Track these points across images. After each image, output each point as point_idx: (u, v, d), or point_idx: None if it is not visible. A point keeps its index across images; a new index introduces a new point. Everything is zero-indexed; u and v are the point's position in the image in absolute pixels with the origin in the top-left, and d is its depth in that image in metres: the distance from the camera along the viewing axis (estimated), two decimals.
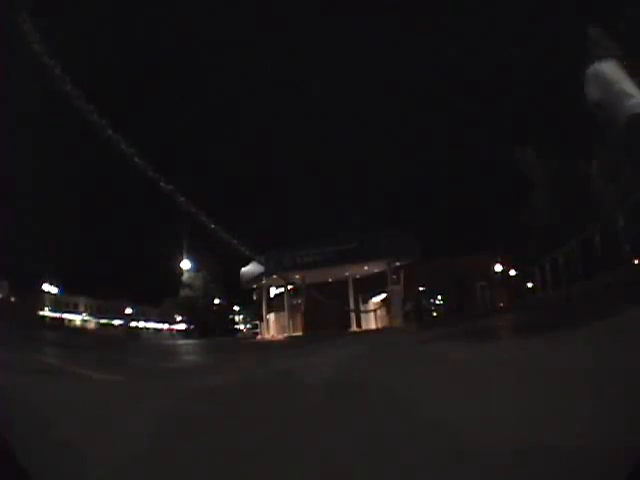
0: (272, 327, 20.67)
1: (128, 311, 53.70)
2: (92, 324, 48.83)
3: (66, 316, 46.13)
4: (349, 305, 20.86)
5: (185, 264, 31.94)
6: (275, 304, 21.08)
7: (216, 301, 34.89)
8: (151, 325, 53.89)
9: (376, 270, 20.83)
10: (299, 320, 22.33)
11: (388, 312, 20.60)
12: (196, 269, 32.94)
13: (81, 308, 51.28)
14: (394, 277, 20.40)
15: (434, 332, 6.94)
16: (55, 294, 46.50)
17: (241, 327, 38.27)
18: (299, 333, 19.98)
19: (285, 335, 16.74)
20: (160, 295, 49.55)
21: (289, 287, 20.53)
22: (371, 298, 25.98)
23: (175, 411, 1.83)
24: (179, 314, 39.89)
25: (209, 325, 29.66)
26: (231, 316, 39.57)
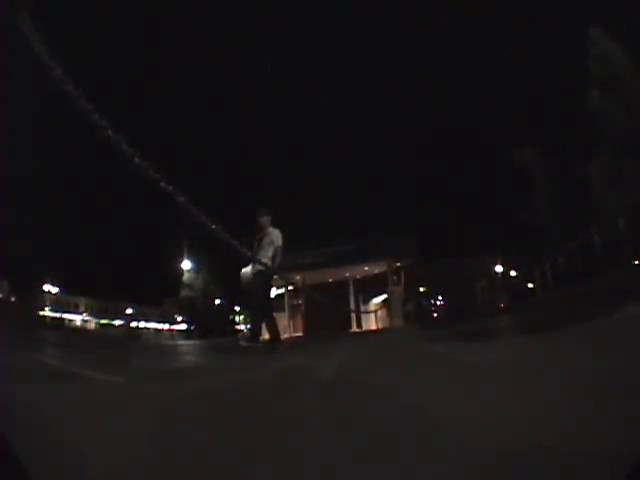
0: None
1: (129, 311, 53.66)
2: (92, 324, 48.87)
3: (66, 316, 46.17)
4: (349, 306, 20.89)
5: (185, 265, 32.00)
6: (275, 305, 21.10)
7: (216, 302, 34.92)
8: (151, 325, 53.93)
9: (376, 271, 20.87)
10: (299, 321, 22.36)
11: (388, 313, 20.62)
12: (196, 270, 33.00)
13: (82, 308, 51.34)
14: (394, 278, 20.43)
15: (434, 333, 6.94)
16: (56, 294, 46.49)
17: (241, 327, 38.27)
18: (299, 334, 20.01)
19: (285, 336, 16.74)
20: (160, 295, 49.71)
21: (289, 288, 20.57)
22: (371, 299, 26.02)
23: (175, 411, 1.83)
24: (179, 314, 39.95)
25: (209, 326, 29.68)
26: (231, 317, 39.60)
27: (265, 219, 5.77)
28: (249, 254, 4.93)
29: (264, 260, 5.41)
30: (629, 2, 14.60)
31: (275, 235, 5.64)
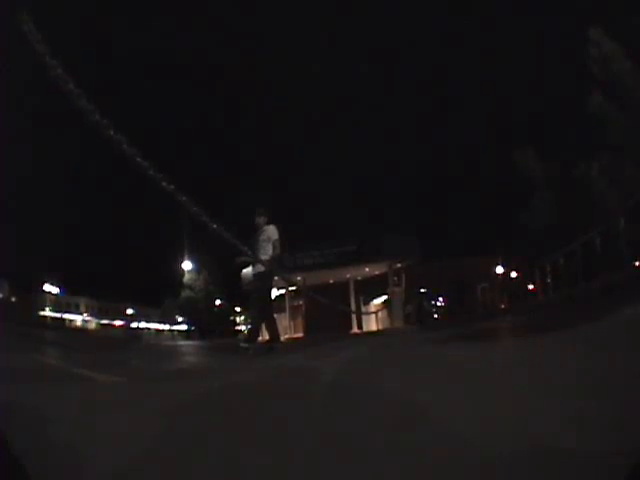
0: None
1: (129, 312, 53.59)
2: (93, 324, 48.87)
3: (67, 316, 46.17)
4: (350, 307, 20.85)
5: (186, 265, 31.99)
6: (276, 305, 21.05)
7: (217, 302, 34.91)
8: (152, 326, 53.91)
9: (377, 272, 20.82)
10: (300, 321, 22.34)
11: (389, 314, 20.59)
12: (197, 270, 32.98)
13: (82, 309, 51.32)
14: (395, 279, 20.38)
15: (435, 334, 6.94)
16: (56, 294, 46.46)
17: (242, 328, 38.24)
18: (300, 334, 20.00)
19: (286, 337, 16.74)
20: (161, 296, 49.69)
21: (290, 288, 20.56)
22: (372, 300, 25.97)
23: (174, 411, 1.83)
24: (180, 315, 39.94)
25: (210, 326, 29.68)
26: (232, 317, 39.61)
27: (263, 218, 5.78)
28: (249, 254, 4.92)
29: (264, 257, 5.39)
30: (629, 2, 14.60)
31: (271, 231, 5.65)
